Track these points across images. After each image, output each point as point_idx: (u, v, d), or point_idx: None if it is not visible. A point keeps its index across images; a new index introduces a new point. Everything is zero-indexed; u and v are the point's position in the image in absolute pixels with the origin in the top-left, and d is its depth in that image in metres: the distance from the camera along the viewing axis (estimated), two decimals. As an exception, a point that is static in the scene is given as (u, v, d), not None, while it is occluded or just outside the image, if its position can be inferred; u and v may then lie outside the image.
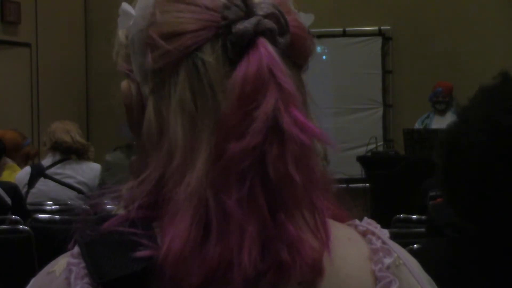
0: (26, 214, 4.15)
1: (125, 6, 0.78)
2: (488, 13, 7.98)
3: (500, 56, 7.32)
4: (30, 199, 4.60)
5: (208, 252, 0.66)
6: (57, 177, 4.71)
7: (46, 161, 4.86)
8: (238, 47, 0.70)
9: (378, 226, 0.79)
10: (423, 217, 3.45)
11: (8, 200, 4.04)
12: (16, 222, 3.94)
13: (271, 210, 0.67)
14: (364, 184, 7.04)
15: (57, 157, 4.77)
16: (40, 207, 4.51)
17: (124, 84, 0.77)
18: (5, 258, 3.75)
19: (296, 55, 0.74)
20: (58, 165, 4.76)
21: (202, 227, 0.67)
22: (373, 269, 0.74)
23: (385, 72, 8.33)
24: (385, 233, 0.78)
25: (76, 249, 0.72)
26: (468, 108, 1.33)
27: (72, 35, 8.59)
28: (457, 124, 1.32)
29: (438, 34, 8.06)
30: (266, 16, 0.71)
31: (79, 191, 4.70)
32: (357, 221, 0.79)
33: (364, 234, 0.77)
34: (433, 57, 8.08)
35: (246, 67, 0.68)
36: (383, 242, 0.76)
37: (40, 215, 4.21)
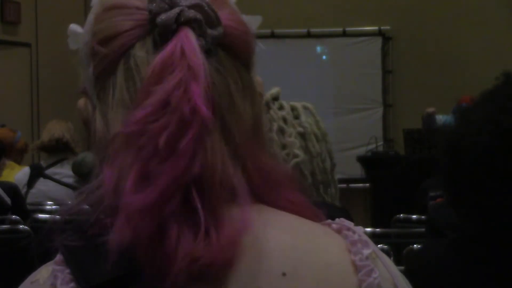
0: (26, 214, 4.15)
1: (72, 26, 0.82)
2: (489, 13, 7.98)
3: (500, 56, 7.31)
4: (29, 199, 4.60)
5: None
6: (56, 177, 4.71)
7: (45, 161, 4.86)
8: (164, 38, 0.72)
9: (352, 223, 0.79)
10: (423, 217, 3.45)
11: (8, 200, 4.03)
12: (16, 222, 3.94)
13: (145, 184, 0.67)
14: (364, 184, 7.05)
15: (56, 157, 4.77)
16: (40, 207, 4.51)
17: (80, 101, 0.80)
18: (5, 258, 3.75)
19: (233, 48, 0.76)
20: (57, 165, 4.76)
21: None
22: (353, 259, 0.74)
23: (385, 72, 8.33)
24: (360, 229, 0.79)
25: (59, 257, 0.73)
26: (470, 109, 1.33)
27: (72, 35, 8.58)
28: (459, 125, 1.32)
29: (438, 34, 8.06)
30: (190, 6, 0.73)
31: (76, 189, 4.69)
32: (329, 221, 0.80)
33: (339, 230, 0.78)
34: (433, 57, 8.08)
35: (163, 52, 0.70)
36: (359, 235, 0.77)
37: (40, 215, 4.21)
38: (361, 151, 7.60)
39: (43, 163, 4.86)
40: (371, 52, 8.30)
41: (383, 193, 6.57)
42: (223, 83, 0.73)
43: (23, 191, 4.58)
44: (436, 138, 1.40)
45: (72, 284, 0.70)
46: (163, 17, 0.72)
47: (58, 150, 4.76)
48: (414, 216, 3.68)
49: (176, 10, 0.72)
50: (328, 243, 0.75)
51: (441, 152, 1.33)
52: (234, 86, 0.75)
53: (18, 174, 4.82)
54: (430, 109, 6.41)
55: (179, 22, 0.72)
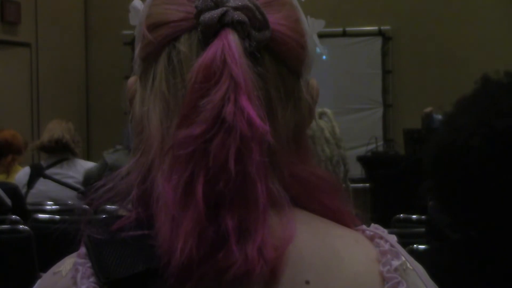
0: (27, 215, 4.15)
1: (135, 3, 0.80)
2: (489, 13, 7.99)
3: (500, 55, 7.32)
4: (30, 199, 4.60)
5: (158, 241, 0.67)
6: (56, 177, 4.71)
7: (45, 161, 4.86)
8: (207, 37, 0.70)
9: (386, 231, 0.78)
10: (423, 217, 3.45)
11: (8, 201, 4.03)
12: (16, 222, 3.93)
13: (210, 202, 0.66)
14: (364, 184, 7.05)
15: (55, 157, 4.77)
16: (40, 207, 4.51)
17: (131, 79, 0.78)
18: (5, 258, 3.75)
19: (280, 53, 0.74)
20: (58, 165, 4.76)
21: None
22: (381, 270, 0.73)
23: (385, 72, 8.33)
24: (393, 238, 0.77)
25: (83, 250, 0.72)
26: (456, 115, 1.32)
27: (72, 35, 8.59)
28: (447, 131, 1.31)
29: (438, 34, 8.06)
30: (237, 8, 0.71)
31: (78, 190, 4.69)
32: (364, 226, 0.79)
33: (371, 238, 0.77)
34: (433, 57, 8.08)
35: (204, 57, 0.68)
36: (391, 246, 0.76)
37: (40, 215, 4.21)
38: (361, 151, 7.60)
39: (43, 163, 4.86)
40: (371, 52, 8.30)
41: (383, 193, 6.57)
42: (264, 89, 0.71)
43: (23, 191, 4.58)
44: (424, 146, 1.39)
45: (92, 279, 0.70)
46: (206, 16, 0.70)
47: (58, 150, 4.76)
48: (414, 216, 3.68)
49: (220, 10, 0.70)
50: (358, 251, 0.74)
51: (432, 160, 1.33)
52: (275, 93, 0.73)
53: (18, 174, 4.83)
54: (428, 109, 6.42)
55: (223, 23, 0.70)
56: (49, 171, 4.72)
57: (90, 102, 8.86)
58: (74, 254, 0.73)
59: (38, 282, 0.75)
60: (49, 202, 4.58)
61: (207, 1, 0.71)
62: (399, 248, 0.76)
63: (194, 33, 0.72)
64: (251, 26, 0.71)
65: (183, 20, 0.72)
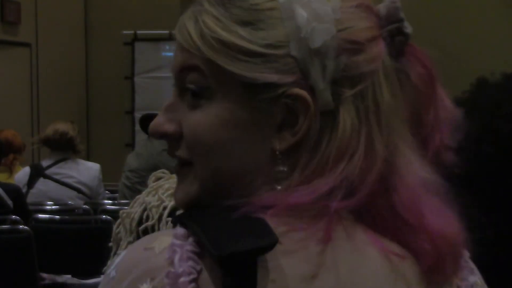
0: (28, 216, 4.15)
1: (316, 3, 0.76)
2: (489, 14, 7.99)
3: (500, 56, 7.31)
4: (30, 199, 4.60)
5: None
6: (56, 177, 4.71)
7: (45, 161, 4.87)
8: (400, 49, 0.84)
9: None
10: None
11: (10, 203, 4.03)
12: (16, 222, 3.94)
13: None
14: (364, 184, 7.04)
15: (56, 156, 4.78)
16: (40, 207, 4.52)
17: (304, 93, 0.73)
18: (5, 258, 3.75)
19: None
20: (58, 165, 4.76)
21: None
22: (459, 285, 0.75)
23: (385, 72, 8.34)
24: (466, 254, 0.79)
25: (181, 231, 0.70)
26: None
27: (72, 35, 8.59)
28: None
29: (438, 35, 8.06)
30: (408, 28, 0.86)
31: (78, 190, 4.70)
32: None
33: None
34: (433, 57, 8.07)
35: (422, 66, 0.88)
36: (466, 261, 0.78)
37: (40, 215, 4.22)
38: (361, 151, 7.59)
39: (43, 163, 4.87)
40: (371, 52, 8.31)
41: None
42: None
43: (23, 191, 4.59)
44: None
45: (190, 263, 0.67)
46: (400, 38, 0.83)
47: (62, 145, 4.74)
48: (414, 216, 3.68)
49: (406, 33, 0.85)
50: None
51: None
52: None
53: (19, 174, 4.83)
54: None
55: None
56: (49, 171, 4.72)
57: (90, 102, 8.85)
58: (169, 233, 0.70)
59: (124, 254, 0.71)
60: (49, 202, 4.59)
61: (394, 24, 0.82)
62: (473, 265, 0.79)
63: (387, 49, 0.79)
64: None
65: (382, 37, 0.79)
